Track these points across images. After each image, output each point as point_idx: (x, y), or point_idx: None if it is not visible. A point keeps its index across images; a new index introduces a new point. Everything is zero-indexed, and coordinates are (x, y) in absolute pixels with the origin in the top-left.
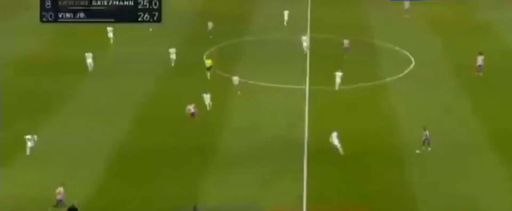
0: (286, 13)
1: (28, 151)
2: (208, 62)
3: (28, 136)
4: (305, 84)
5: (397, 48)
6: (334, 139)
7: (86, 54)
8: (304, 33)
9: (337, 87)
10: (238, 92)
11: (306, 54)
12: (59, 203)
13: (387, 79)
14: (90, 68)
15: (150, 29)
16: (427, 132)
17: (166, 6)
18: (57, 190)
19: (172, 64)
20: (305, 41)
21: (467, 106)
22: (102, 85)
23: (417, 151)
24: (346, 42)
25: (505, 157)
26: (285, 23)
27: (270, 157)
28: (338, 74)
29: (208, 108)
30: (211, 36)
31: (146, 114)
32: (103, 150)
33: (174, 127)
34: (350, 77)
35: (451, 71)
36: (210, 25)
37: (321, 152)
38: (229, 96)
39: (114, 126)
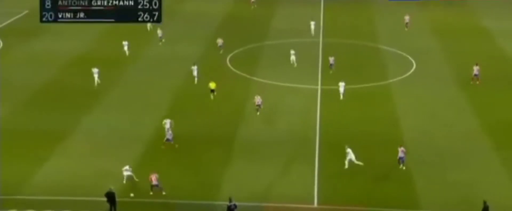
0: (312, 23)
1: (124, 180)
2: (212, 85)
3: (125, 167)
4: (318, 85)
5: (399, 52)
6: (350, 154)
7: (93, 68)
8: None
9: (341, 97)
10: (258, 113)
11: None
12: (154, 187)
13: (391, 80)
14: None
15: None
16: (403, 149)
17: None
18: (149, 177)
19: (195, 82)
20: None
21: (464, 101)
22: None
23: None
24: (331, 59)
25: (499, 145)
26: (312, 32)
27: (285, 149)
28: (341, 84)
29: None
30: (221, 52)
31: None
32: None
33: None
34: (357, 78)
35: (450, 72)
36: (219, 41)
37: (331, 145)
38: (249, 93)
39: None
